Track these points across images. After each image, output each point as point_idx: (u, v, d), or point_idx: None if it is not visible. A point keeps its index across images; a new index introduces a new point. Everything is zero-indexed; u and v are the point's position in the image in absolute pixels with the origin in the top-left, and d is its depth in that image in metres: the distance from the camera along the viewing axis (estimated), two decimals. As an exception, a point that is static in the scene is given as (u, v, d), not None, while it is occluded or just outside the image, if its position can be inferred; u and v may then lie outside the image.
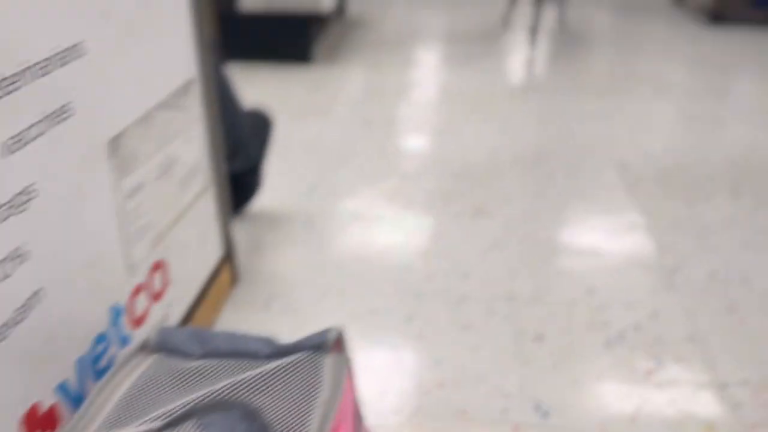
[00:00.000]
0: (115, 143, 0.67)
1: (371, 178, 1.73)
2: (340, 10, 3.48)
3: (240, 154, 1.34)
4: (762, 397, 1.01)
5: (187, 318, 0.89)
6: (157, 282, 0.79)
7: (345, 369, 0.66)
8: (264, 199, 1.61)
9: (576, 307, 1.22)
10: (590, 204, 1.59)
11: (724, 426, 0.96)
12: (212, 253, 0.98)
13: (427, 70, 2.66)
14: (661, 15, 3.57)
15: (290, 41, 2.65)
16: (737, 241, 1.43)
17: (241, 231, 1.48)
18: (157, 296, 0.79)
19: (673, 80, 2.51)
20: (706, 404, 1.00)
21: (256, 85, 2.45)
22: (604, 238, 1.45)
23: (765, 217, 1.52)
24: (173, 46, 0.82)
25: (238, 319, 1.19)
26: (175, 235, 0.83)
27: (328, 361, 0.66)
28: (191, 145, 0.87)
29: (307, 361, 0.65)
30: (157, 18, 0.76)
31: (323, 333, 0.68)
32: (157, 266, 0.79)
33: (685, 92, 2.38)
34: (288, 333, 1.15)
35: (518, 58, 2.80)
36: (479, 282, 1.29)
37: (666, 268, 1.34)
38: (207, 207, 0.95)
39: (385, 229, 1.49)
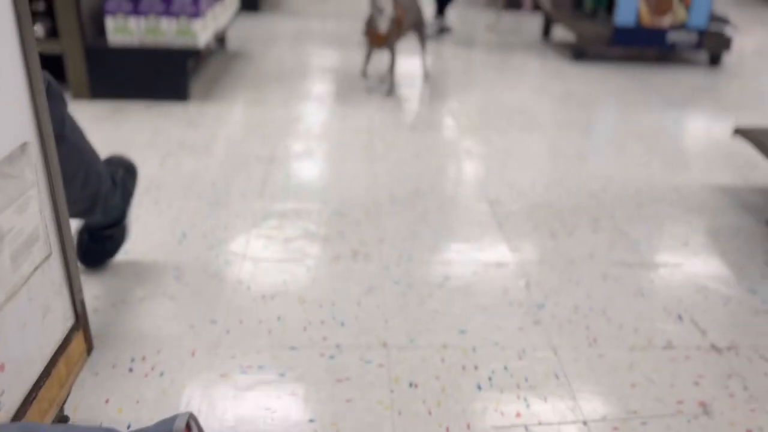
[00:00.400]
0: None
1: (248, 220, 1.68)
2: (218, 45, 3.41)
3: (98, 208, 1.26)
4: None
5: (27, 402, 0.81)
6: (-15, 370, 0.71)
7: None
8: (131, 248, 1.53)
9: (448, 351, 1.24)
10: (463, 242, 1.64)
11: (585, 463, 1.00)
12: (59, 324, 0.91)
13: (307, 107, 2.65)
14: (531, 51, 3.78)
15: (165, 77, 2.56)
16: (597, 274, 1.52)
17: (103, 285, 1.39)
18: (-14, 385, 0.72)
19: (540, 115, 2.66)
20: (570, 442, 1.04)
21: (128, 124, 2.34)
22: (476, 277, 1.49)
23: (621, 249, 1.63)
24: (3, 111, 0.75)
25: (99, 386, 1.11)
26: (6, 317, 0.76)
27: (174, 451, 0.62)
28: (26, 212, 0.80)
29: (152, 453, 0.61)
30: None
31: (170, 420, 0.64)
32: (-14, 352, 0.72)
33: (552, 127, 2.52)
34: (153, 399, 1.09)
35: (395, 97, 2.86)
36: (354, 330, 1.29)
37: (533, 304, 1.39)
38: (50, 276, 0.88)
39: (261, 276, 1.45)
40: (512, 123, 2.53)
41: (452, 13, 4.74)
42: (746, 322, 1.36)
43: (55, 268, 0.89)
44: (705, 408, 1.12)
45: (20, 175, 0.79)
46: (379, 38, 2.71)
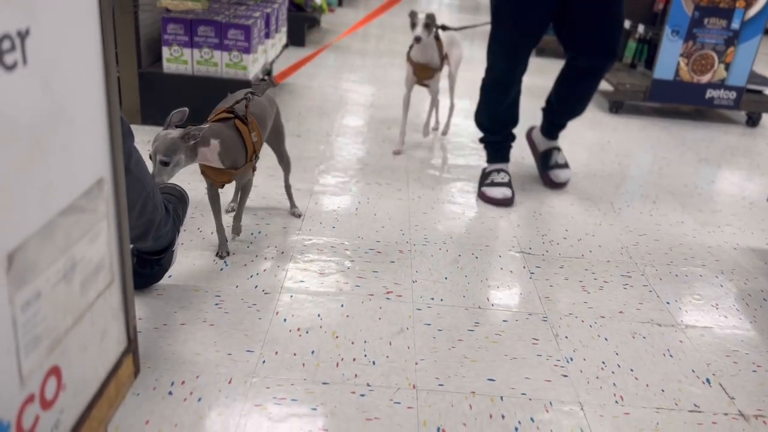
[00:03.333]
0: (12, 257, 0.67)
1: (285, 253, 1.74)
2: (266, 76, 3.52)
3: (151, 235, 1.33)
4: (642, 492, 1.07)
5: (81, 421, 0.86)
6: (49, 390, 0.77)
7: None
8: (176, 272, 1.59)
9: (476, 398, 1.26)
10: (494, 289, 1.67)
11: None
12: (113, 348, 0.96)
13: (346, 141, 2.73)
14: (568, 98, 3.82)
15: (214, 106, 2.65)
16: (626, 331, 1.53)
17: (148, 308, 1.45)
18: (48, 404, 0.77)
19: (575, 164, 2.69)
20: (593, 499, 1.05)
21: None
22: (506, 326, 1.51)
23: (651, 308, 1.64)
24: (84, 149, 0.82)
25: (139, 408, 1.16)
26: (72, 338, 0.81)
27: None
28: (96, 243, 0.86)
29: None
30: (68, 125, 0.77)
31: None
32: (51, 373, 0.77)
33: (586, 177, 2.55)
34: (190, 424, 1.13)
35: (433, 135, 2.92)
36: (385, 370, 1.32)
37: (562, 356, 1.41)
38: (110, 302, 0.94)
39: (297, 309, 1.50)
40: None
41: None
42: (775, 390, 1.36)
43: (115, 295, 0.95)
44: (730, 476, 1.13)
45: (95, 209, 0.86)
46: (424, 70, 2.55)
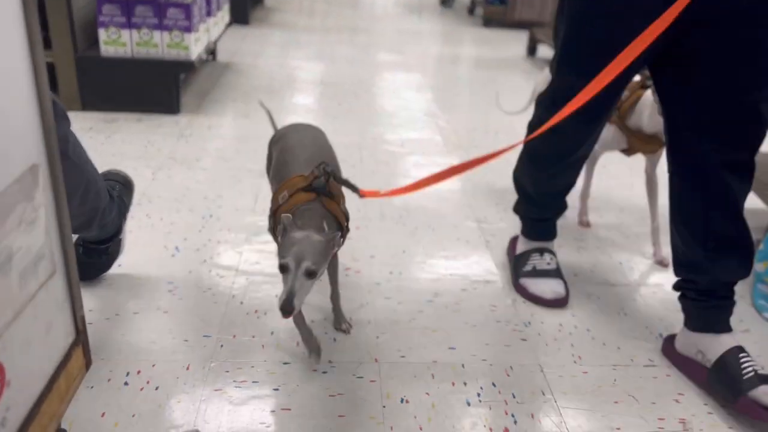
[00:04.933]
0: (-59, 247, 0.63)
1: (239, 236, 1.71)
2: (209, 57, 3.43)
3: (96, 223, 1.28)
4: (603, 447, 1.10)
5: (30, 417, 0.82)
6: (-8, 387, 0.73)
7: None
8: (125, 261, 1.54)
9: (438, 367, 1.27)
10: (452, 259, 1.67)
11: (570, 478, 1.03)
12: (61, 341, 0.93)
13: (296, 121, 2.68)
14: (516, 69, 3.85)
15: (156, 89, 2.57)
16: (582, 293, 1.56)
17: (98, 299, 1.41)
18: (-8, 401, 0.73)
19: (524, 134, 2.71)
20: (556, 458, 1.07)
21: (119, 135, 2.35)
22: (465, 294, 1.52)
23: (604, 269, 1.67)
24: (13, 134, 0.78)
25: (94, 400, 1.12)
26: (14, 333, 0.78)
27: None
28: (34, 232, 0.82)
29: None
30: (-5, 105, 0.72)
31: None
32: (-7, 369, 0.73)
33: (538, 144, 2.58)
34: (149, 413, 1.11)
35: (385, 109, 2.90)
36: (347, 346, 1.31)
37: (520, 321, 1.43)
38: (54, 293, 0.90)
39: (253, 291, 1.47)
40: (498, 141, 2.58)
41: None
42: (724, 341, 1.41)
43: (58, 286, 0.91)
44: (685, 425, 1.16)
45: (30, 196, 0.81)
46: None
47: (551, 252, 1.58)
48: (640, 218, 1.97)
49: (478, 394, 1.20)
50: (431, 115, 2.85)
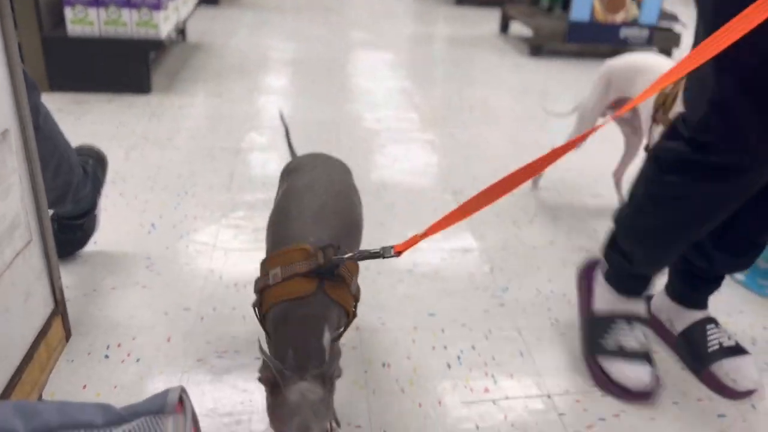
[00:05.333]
0: None
1: (216, 211, 1.70)
2: (179, 37, 3.38)
3: (69, 198, 1.27)
4: (581, 405, 1.13)
5: (11, 385, 0.82)
6: (-28, 352, 0.73)
7: (188, 430, 0.65)
8: (100, 239, 1.52)
9: (418, 333, 1.28)
10: (430, 230, 1.69)
11: (550, 433, 1.06)
12: (40, 310, 0.92)
13: (269, 99, 2.66)
14: (489, 46, 3.86)
15: (126, 69, 2.53)
16: (558, 260, 1.59)
17: (75, 276, 1.39)
18: (-27, 367, 0.73)
19: (500, 109, 2.73)
20: (536, 414, 1.09)
21: (89, 116, 2.31)
22: (443, 263, 1.54)
23: (579, 236, 1.70)
24: (-16, 96, 0.76)
25: (75, 373, 1.12)
26: (-8, 299, 0.77)
27: (170, 425, 0.64)
28: (8, 199, 0.81)
29: (148, 426, 0.64)
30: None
31: (163, 395, 0.66)
32: (-27, 334, 0.73)
33: (511, 120, 2.60)
34: (130, 384, 1.10)
35: (360, 87, 2.89)
36: (327, 314, 1.32)
37: (498, 287, 1.45)
38: (31, 262, 0.89)
39: (233, 265, 1.47)
40: (473, 116, 2.60)
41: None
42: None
43: (35, 254, 0.90)
44: (659, 381, 1.19)
45: (1, 162, 0.80)
46: None
47: (643, 321, 1.24)
48: (614, 185, 2.00)
49: (458, 357, 1.22)
50: (406, 93, 2.85)
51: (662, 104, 1.31)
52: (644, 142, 1.44)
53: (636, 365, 1.16)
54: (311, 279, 0.86)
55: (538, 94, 2.96)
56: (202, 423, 1.04)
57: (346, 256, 0.88)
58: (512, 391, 1.14)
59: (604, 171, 2.12)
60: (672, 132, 1.05)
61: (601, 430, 1.08)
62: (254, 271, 1.45)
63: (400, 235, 1.65)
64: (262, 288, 0.90)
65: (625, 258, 1.19)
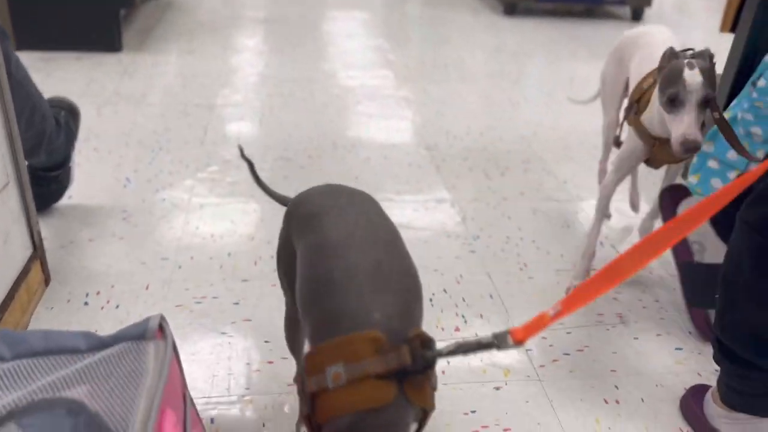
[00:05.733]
0: None
1: (191, 166, 1.71)
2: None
3: (43, 148, 1.27)
4: (547, 341, 1.19)
5: (-6, 323, 0.84)
6: (-45, 287, 0.74)
7: (169, 355, 0.68)
8: (75, 193, 1.53)
9: (393, 278, 1.32)
10: (404, 183, 1.72)
11: (518, 369, 1.11)
12: (19, 253, 0.94)
13: (242, 57, 2.64)
14: (464, 5, 3.85)
15: (96, 27, 2.49)
16: (528, 209, 1.63)
17: (51, 228, 1.40)
18: (-44, 302, 0.75)
19: (474, 67, 2.74)
20: (504, 353, 1.15)
21: (58, 74, 2.28)
22: (417, 214, 1.57)
23: (549, 188, 1.75)
24: (-45, 36, 0.77)
25: (55, 318, 1.14)
26: (-28, 237, 0.78)
27: (151, 349, 0.67)
28: (-15, 140, 0.82)
29: (130, 350, 0.67)
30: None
31: (144, 322, 0.69)
32: (-46, 271, 0.74)
33: (485, 77, 2.62)
34: (111, 329, 1.13)
35: (335, 46, 2.88)
36: (304, 262, 1.35)
37: (469, 235, 1.49)
38: (8, 204, 0.90)
39: (208, 217, 1.49)
40: (448, 74, 2.61)
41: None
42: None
43: (12, 197, 0.91)
44: (621, 318, 1.25)
45: (-23, 102, 0.81)
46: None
47: None
48: (585, 140, 2.04)
49: (431, 300, 1.26)
50: (381, 51, 2.85)
51: (637, 101, 1.21)
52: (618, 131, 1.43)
53: None
54: (388, 381, 0.64)
55: (511, 53, 2.98)
56: (184, 365, 1.07)
57: (445, 349, 0.65)
58: (482, 330, 1.19)
59: (576, 125, 2.16)
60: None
61: (565, 364, 1.13)
62: (231, 224, 1.47)
63: (375, 186, 1.68)
64: (316, 392, 0.67)
65: (746, 349, 0.90)
